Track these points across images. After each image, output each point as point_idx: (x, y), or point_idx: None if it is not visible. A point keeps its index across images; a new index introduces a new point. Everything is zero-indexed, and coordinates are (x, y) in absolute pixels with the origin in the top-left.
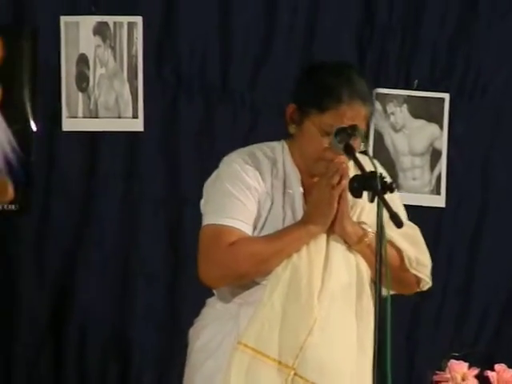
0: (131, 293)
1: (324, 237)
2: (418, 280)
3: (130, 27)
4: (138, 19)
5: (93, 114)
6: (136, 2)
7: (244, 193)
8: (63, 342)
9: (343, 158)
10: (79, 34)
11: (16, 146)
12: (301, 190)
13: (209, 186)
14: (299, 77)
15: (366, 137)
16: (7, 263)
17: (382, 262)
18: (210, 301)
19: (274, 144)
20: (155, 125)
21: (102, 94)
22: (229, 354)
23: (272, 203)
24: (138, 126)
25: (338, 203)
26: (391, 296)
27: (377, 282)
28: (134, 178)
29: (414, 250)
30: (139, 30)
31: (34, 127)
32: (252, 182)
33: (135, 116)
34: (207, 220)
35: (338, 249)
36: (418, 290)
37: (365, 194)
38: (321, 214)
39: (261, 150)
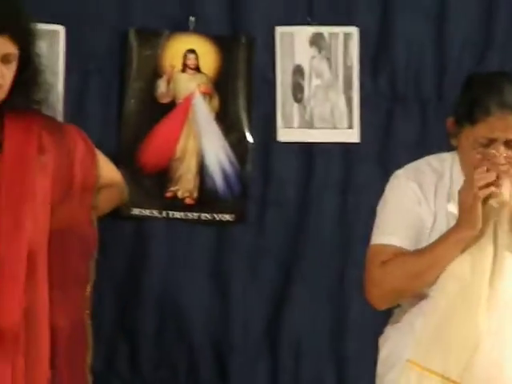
0: (345, 305)
1: (490, 241)
2: None
3: (346, 38)
4: (354, 30)
5: (308, 125)
6: (352, 12)
7: (404, 209)
8: (279, 353)
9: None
10: (295, 44)
11: (232, 156)
12: None
13: (379, 203)
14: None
15: None
16: (222, 273)
17: None
18: (395, 311)
19: (446, 156)
20: (371, 136)
21: (317, 104)
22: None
23: (435, 219)
24: (353, 136)
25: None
26: None
27: None
28: (350, 189)
29: None
30: (355, 41)
31: (249, 138)
32: (414, 198)
33: (350, 127)
34: (371, 240)
35: (507, 253)
36: None
37: None
38: (466, 218)
39: (429, 163)
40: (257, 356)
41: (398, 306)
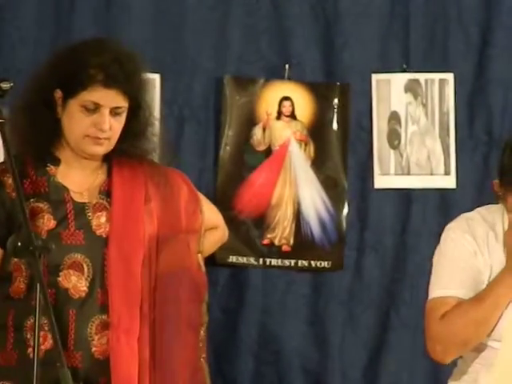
0: None
1: None
2: None
3: (442, 84)
4: (450, 76)
5: (405, 171)
6: (447, 58)
7: (460, 262)
8: None
9: None
10: (391, 91)
11: (329, 204)
12: None
13: (435, 256)
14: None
15: None
16: (318, 317)
17: None
18: (459, 362)
19: (495, 208)
20: (468, 182)
21: (413, 151)
22: None
23: (491, 271)
24: (450, 182)
25: None
26: None
27: None
28: None
29: None
30: (450, 86)
31: (346, 185)
32: (470, 250)
33: (447, 173)
34: (429, 294)
35: None
36: None
37: None
38: None
39: (480, 214)
40: None
41: (461, 357)
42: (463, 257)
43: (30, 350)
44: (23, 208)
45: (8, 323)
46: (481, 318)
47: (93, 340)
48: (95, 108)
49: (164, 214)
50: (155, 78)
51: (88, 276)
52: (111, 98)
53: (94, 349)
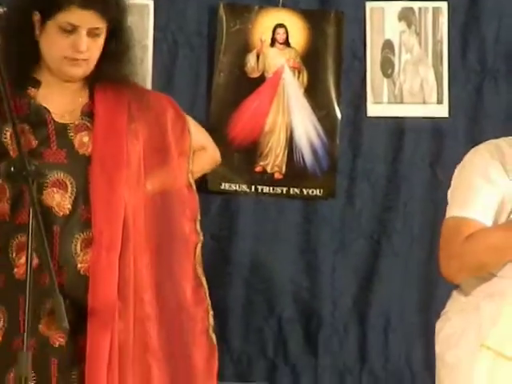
0: (434, 280)
1: None
2: None
3: (435, 12)
4: (443, 4)
5: (398, 100)
6: None
7: (486, 186)
8: (367, 327)
9: None
10: (384, 19)
11: (321, 132)
12: None
13: (455, 176)
14: None
15: None
16: (310, 245)
17: None
18: (455, 293)
19: None
20: (460, 111)
21: (407, 79)
22: (470, 349)
23: None
24: (442, 111)
25: None
26: None
27: None
28: (439, 163)
29: None
30: (444, 15)
31: (338, 113)
32: (495, 175)
33: (440, 102)
34: (449, 213)
35: None
36: None
37: None
38: None
39: (506, 141)
40: (345, 329)
41: (457, 287)
42: (490, 181)
43: (16, 270)
44: (16, 133)
45: None
46: (502, 246)
47: (78, 256)
48: (72, 29)
49: (150, 135)
50: (148, 4)
51: (72, 194)
52: (88, 19)
53: (79, 265)
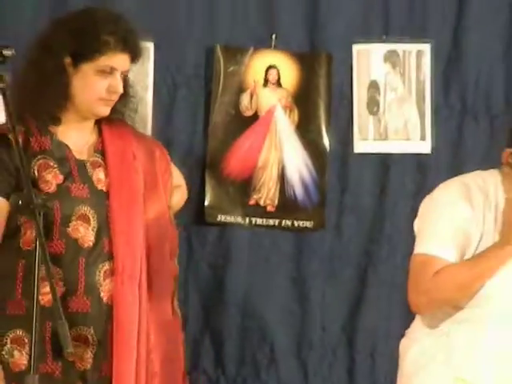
0: None
1: None
2: None
3: (419, 55)
4: (426, 47)
5: (383, 137)
6: (425, 30)
7: (455, 224)
8: (355, 351)
9: None
10: (370, 61)
11: (311, 167)
12: None
13: (422, 211)
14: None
15: None
16: (301, 274)
17: None
18: (421, 317)
19: (487, 174)
20: (442, 147)
21: (391, 117)
22: (438, 375)
23: (482, 235)
24: (425, 148)
25: None
26: None
27: None
28: (422, 198)
29: None
30: (427, 57)
31: (327, 149)
32: (464, 214)
33: (423, 138)
34: (417, 249)
35: None
36: None
37: None
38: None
39: (475, 181)
40: (334, 354)
41: None
42: (458, 220)
43: (40, 297)
44: (24, 167)
45: (18, 274)
46: (467, 282)
47: (101, 286)
48: (111, 72)
49: (146, 170)
50: (149, 47)
51: (94, 227)
52: (124, 62)
53: (102, 294)
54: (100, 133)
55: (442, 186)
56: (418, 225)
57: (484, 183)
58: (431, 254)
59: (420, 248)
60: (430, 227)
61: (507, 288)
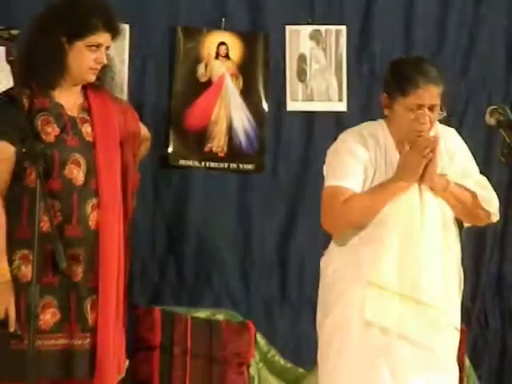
0: None
1: (417, 187)
2: (489, 214)
3: (337, 34)
4: (343, 28)
5: (309, 99)
6: (342, 14)
7: (355, 162)
8: (287, 269)
9: (433, 134)
10: (299, 39)
11: (253, 122)
12: (397, 155)
13: (329, 155)
14: (387, 71)
15: (441, 109)
16: (245, 210)
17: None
18: (334, 239)
19: (376, 124)
20: (355, 106)
21: (316, 83)
22: (352, 281)
23: (375, 170)
24: (342, 107)
25: (427, 165)
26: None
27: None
28: None
29: (484, 192)
30: (344, 36)
31: (266, 108)
32: (361, 154)
33: (341, 100)
34: (327, 183)
35: (429, 196)
36: (489, 221)
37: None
38: (410, 175)
39: (367, 129)
40: (270, 270)
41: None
42: (356, 158)
43: (42, 224)
44: (30, 121)
45: (23, 207)
46: (369, 209)
47: (89, 216)
48: (98, 47)
49: (120, 126)
50: (126, 28)
51: (84, 169)
52: (107, 40)
53: (90, 223)
54: (86, 95)
55: (341, 135)
56: (326, 167)
57: (375, 130)
58: (339, 185)
59: (329, 182)
60: (335, 165)
61: (400, 213)
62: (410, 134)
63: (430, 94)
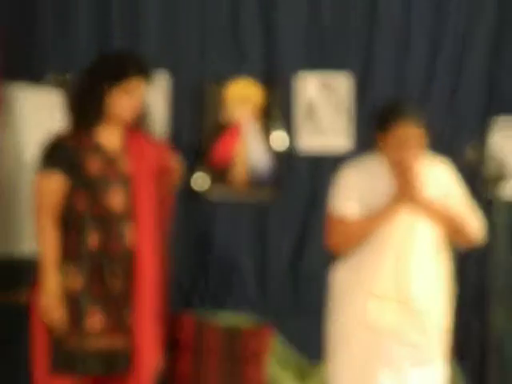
0: None
1: (406, 210)
2: (473, 233)
3: (343, 79)
4: (347, 73)
5: (318, 137)
6: (344, 64)
7: (351, 192)
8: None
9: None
10: (306, 84)
11: (269, 159)
12: (390, 182)
13: (331, 187)
14: (375, 117)
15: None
16: (262, 234)
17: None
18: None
19: (372, 156)
20: (362, 144)
21: (324, 124)
22: (362, 299)
23: (369, 197)
24: (349, 145)
25: (410, 183)
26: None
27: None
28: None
29: (468, 211)
30: (349, 80)
31: (280, 146)
32: (357, 185)
33: (347, 138)
34: (330, 210)
35: (419, 216)
36: (474, 241)
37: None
38: (399, 196)
39: (362, 162)
40: (285, 278)
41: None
42: (353, 188)
43: (90, 242)
44: (78, 157)
45: (74, 228)
46: (368, 232)
47: (126, 237)
48: (132, 90)
49: (156, 159)
50: (166, 77)
51: (123, 198)
52: (140, 84)
53: (127, 243)
54: (125, 136)
55: (341, 170)
56: (329, 197)
57: (369, 162)
58: (341, 214)
59: (331, 209)
60: (336, 195)
61: (394, 231)
62: (394, 164)
63: (405, 130)
